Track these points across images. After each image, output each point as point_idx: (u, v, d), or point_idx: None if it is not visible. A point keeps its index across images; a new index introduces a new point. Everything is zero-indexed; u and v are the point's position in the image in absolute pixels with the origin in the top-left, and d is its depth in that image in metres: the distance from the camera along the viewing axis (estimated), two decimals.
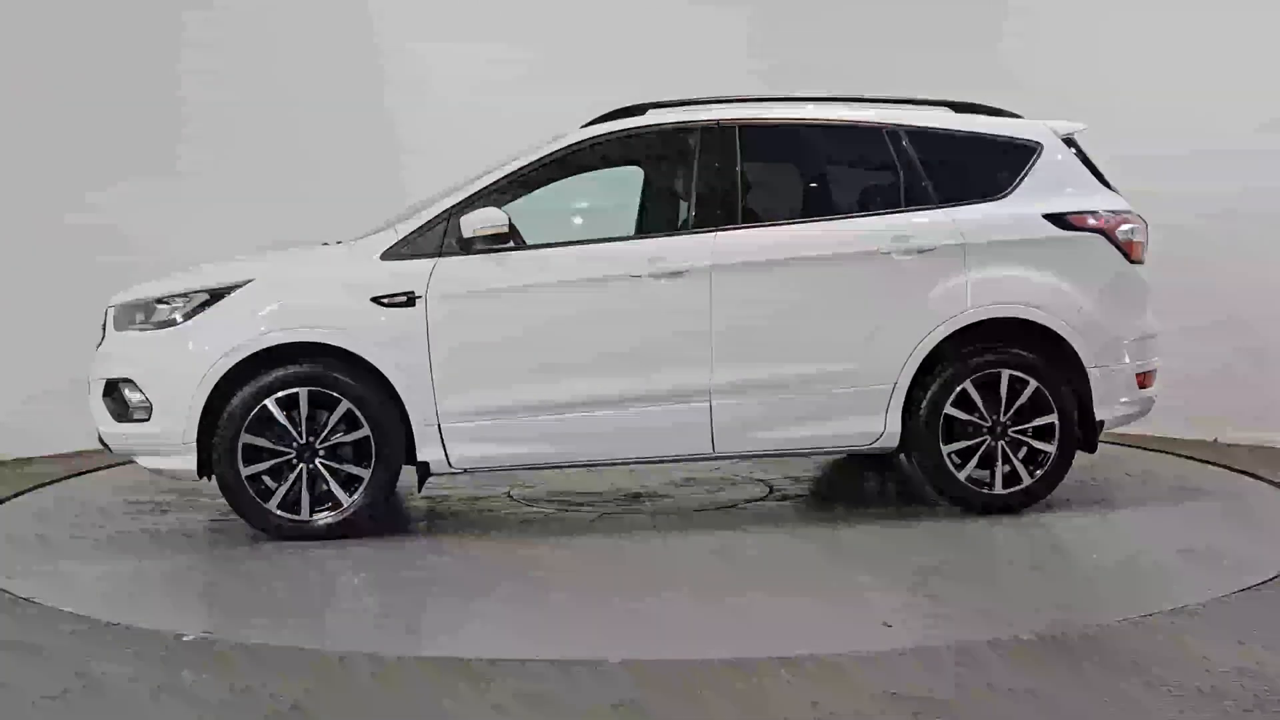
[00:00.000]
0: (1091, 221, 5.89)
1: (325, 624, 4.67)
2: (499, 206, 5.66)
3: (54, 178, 7.87)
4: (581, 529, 5.93)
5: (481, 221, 5.55)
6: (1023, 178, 5.95)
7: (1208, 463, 7.17)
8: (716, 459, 6.06)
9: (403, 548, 5.62)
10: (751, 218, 5.84)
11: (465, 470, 5.81)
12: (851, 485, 6.91)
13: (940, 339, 5.74)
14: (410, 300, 5.55)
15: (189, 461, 5.57)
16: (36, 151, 7.85)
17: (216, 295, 5.61)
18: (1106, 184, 6.10)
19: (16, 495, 6.79)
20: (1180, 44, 7.84)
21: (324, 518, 5.62)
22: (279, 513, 5.60)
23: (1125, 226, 5.93)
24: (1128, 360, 5.92)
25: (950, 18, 8.69)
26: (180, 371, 5.54)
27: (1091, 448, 5.97)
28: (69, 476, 7.29)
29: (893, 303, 5.75)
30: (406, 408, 5.59)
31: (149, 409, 5.59)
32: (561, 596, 4.86)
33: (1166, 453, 7.37)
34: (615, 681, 3.78)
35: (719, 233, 5.72)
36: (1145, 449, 7.45)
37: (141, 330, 5.69)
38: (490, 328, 5.62)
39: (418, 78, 8.90)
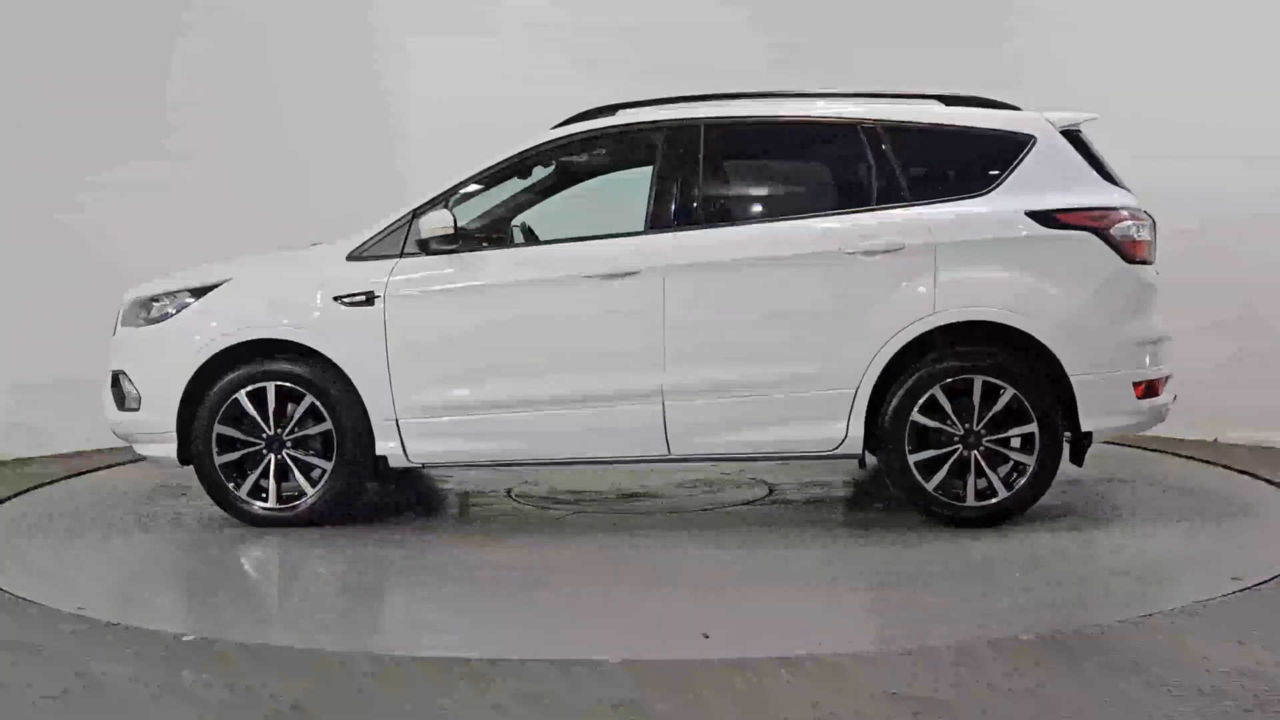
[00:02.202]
0: (1081, 219, 5.56)
1: (325, 624, 4.67)
2: (463, 208, 5.80)
3: (49, 176, 7.84)
4: (582, 529, 5.93)
5: (433, 223, 5.66)
6: (1010, 173, 5.64)
7: (1208, 463, 7.17)
8: (674, 461, 5.94)
9: (403, 547, 5.63)
10: (712, 218, 5.75)
11: (424, 465, 5.95)
12: (853, 487, 6.90)
13: (905, 343, 5.51)
14: (369, 299, 5.72)
15: (171, 449, 5.87)
16: (29, 150, 7.83)
17: (197, 294, 5.92)
18: (1112, 179, 5.76)
19: (16, 495, 6.79)
20: (1196, 44, 7.80)
21: (290, 506, 5.84)
22: (248, 500, 5.85)
23: (1123, 224, 5.56)
24: (1122, 367, 5.58)
25: (968, 16, 8.63)
26: (162, 365, 5.89)
27: (1078, 460, 5.74)
28: (69, 476, 7.29)
29: (855, 305, 5.55)
30: (365, 403, 5.73)
31: (139, 399, 5.93)
32: (561, 596, 4.87)
33: (1166, 453, 7.37)
34: (615, 681, 3.78)
35: (676, 233, 5.66)
36: (1145, 449, 7.44)
37: (138, 326, 6.02)
38: (445, 327, 5.74)
39: (420, 75, 8.90)
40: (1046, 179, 5.64)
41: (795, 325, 5.60)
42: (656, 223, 5.71)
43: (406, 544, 5.69)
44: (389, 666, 3.96)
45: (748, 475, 6.90)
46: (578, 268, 5.67)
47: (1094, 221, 5.57)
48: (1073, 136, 5.79)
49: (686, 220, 5.69)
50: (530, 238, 6.18)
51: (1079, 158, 5.73)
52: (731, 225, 5.78)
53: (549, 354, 5.69)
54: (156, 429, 5.88)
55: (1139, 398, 5.63)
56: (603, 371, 5.65)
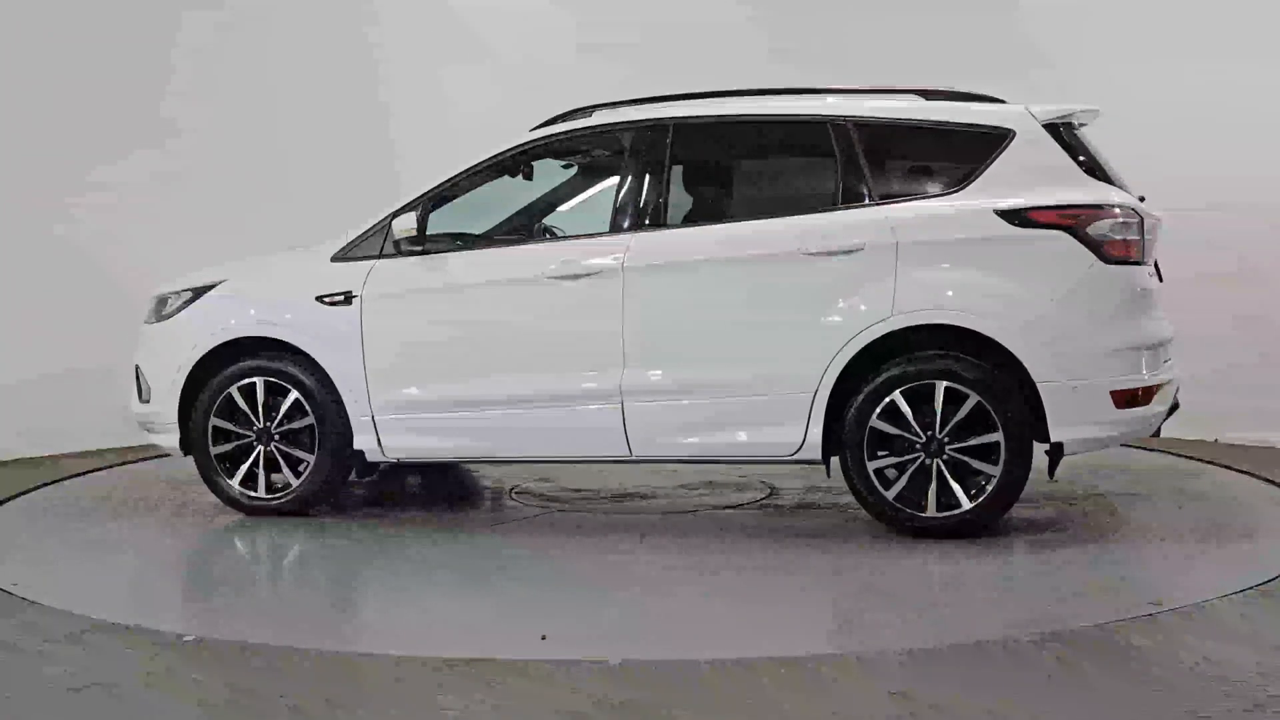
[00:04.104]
0: (1054, 217, 5.25)
1: (326, 624, 4.67)
2: (443, 210, 5.89)
3: (47, 169, 7.79)
4: (582, 528, 5.93)
5: (401, 226, 5.81)
6: (984, 169, 5.38)
7: (1208, 462, 7.16)
8: (636, 462, 5.94)
9: (403, 545, 5.63)
10: (675, 218, 5.73)
11: (398, 460, 6.04)
12: None
13: (862, 346, 5.32)
14: (348, 299, 5.87)
15: (174, 439, 6.15)
16: (33, 152, 7.79)
17: (198, 293, 6.18)
18: (1104, 175, 5.50)
19: (17, 495, 6.78)
20: (1200, 42, 7.79)
21: (278, 495, 6.04)
22: (239, 489, 6.05)
23: (1102, 223, 5.24)
24: (1098, 374, 5.23)
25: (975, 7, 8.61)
26: (166, 359, 6.16)
27: (1050, 472, 5.48)
28: (69, 476, 7.28)
29: (813, 307, 5.41)
30: (343, 399, 5.90)
31: (150, 392, 6.23)
32: (562, 596, 4.87)
33: (1166, 452, 7.35)
34: (615, 681, 3.78)
35: (637, 234, 5.63)
36: (1145, 449, 7.42)
37: (152, 323, 6.33)
38: (416, 326, 5.86)
39: (420, 75, 8.89)
40: (1023, 175, 5.37)
41: (753, 327, 5.50)
42: (620, 223, 5.70)
43: (407, 542, 5.70)
44: (389, 666, 3.96)
45: (754, 478, 6.87)
46: (541, 268, 5.70)
47: (1068, 220, 5.26)
48: (1059, 129, 5.53)
49: (650, 221, 5.66)
50: (506, 238, 6.23)
51: (1061, 152, 5.45)
52: (694, 226, 5.77)
53: (513, 353, 5.74)
54: (162, 420, 6.16)
55: (1119, 407, 5.28)
56: (564, 371, 5.66)
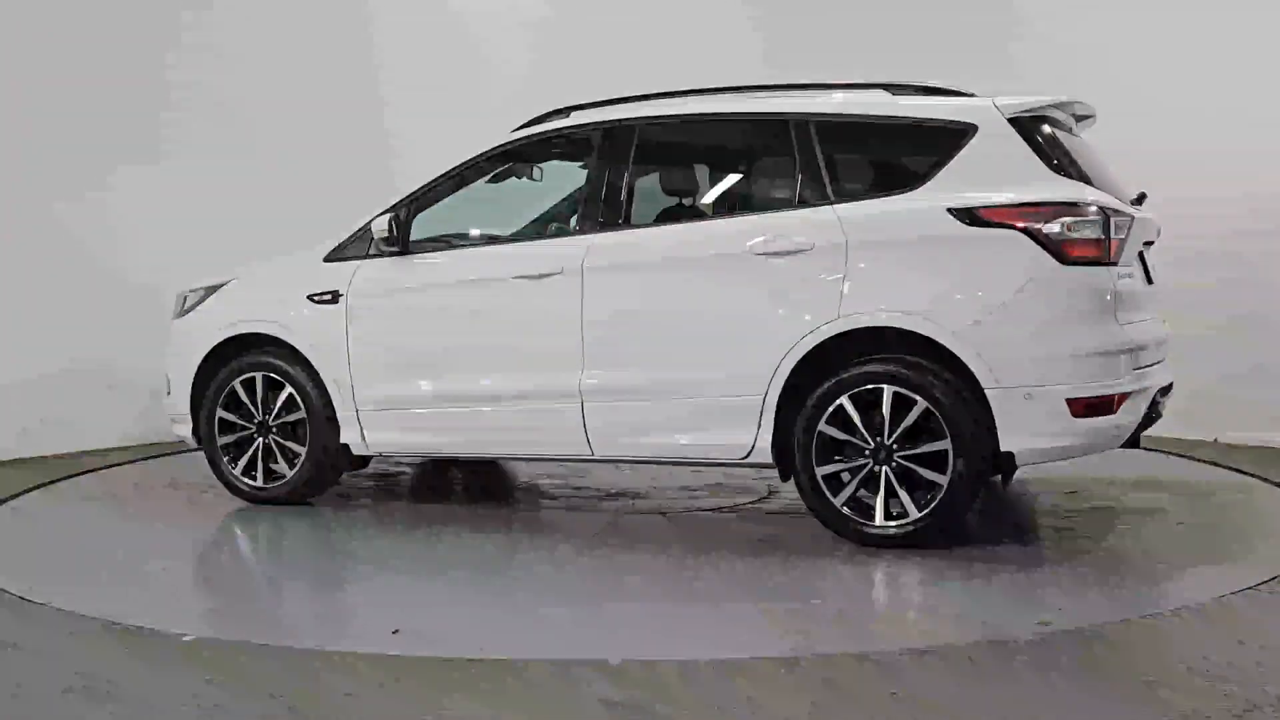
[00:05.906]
0: (1007, 216, 5.00)
1: (327, 624, 4.67)
2: (430, 210, 6.02)
3: (47, 169, 7.77)
4: (582, 529, 5.94)
5: (377, 227, 5.93)
6: (944, 166, 5.15)
7: (1208, 463, 7.16)
8: (598, 462, 5.97)
9: (404, 543, 5.66)
10: (637, 219, 5.74)
11: (380, 454, 6.25)
12: None
13: (808, 349, 5.18)
14: (335, 298, 6.06)
15: (188, 430, 6.49)
16: (39, 152, 7.78)
17: (210, 292, 6.49)
18: (1074, 171, 5.20)
19: (19, 494, 6.78)
20: (1204, 39, 7.79)
21: (271, 485, 6.26)
22: (240, 477, 6.30)
23: (1059, 222, 4.96)
24: (1053, 381, 4.95)
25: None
26: (181, 355, 6.49)
27: (1003, 483, 5.31)
28: (69, 476, 7.28)
29: (761, 308, 5.30)
30: (330, 394, 6.08)
31: (171, 385, 6.57)
32: (562, 596, 4.87)
33: (1166, 453, 7.35)
34: (615, 681, 3.78)
35: (598, 234, 5.64)
36: (1145, 449, 7.38)
37: (175, 319, 6.65)
38: (393, 324, 6.02)
39: (422, 77, 8.90)
40: (984, 172, 5.12)
41: (703, 329, 5.42)
42: (585, 223, 5.73)
43: (407, 540, 5.72)
44: (389, 666, 3.96)
45: (758, 479, 6.86)
46: (509, 268, 5.76)
47: (1021, 219, 4.99)
48: (1028, 124, 5.24)
49: (611, 221, 5.67)
50: (480, 239, 6.30)
51: (1025, 148, 5.15)
52: (652, 226, 5.79)
53: (481, 352, 5.83)
54: (179, 412, 6.50)
55: (1077, 416, 4.98)
56: (529, 371, 5.71)
